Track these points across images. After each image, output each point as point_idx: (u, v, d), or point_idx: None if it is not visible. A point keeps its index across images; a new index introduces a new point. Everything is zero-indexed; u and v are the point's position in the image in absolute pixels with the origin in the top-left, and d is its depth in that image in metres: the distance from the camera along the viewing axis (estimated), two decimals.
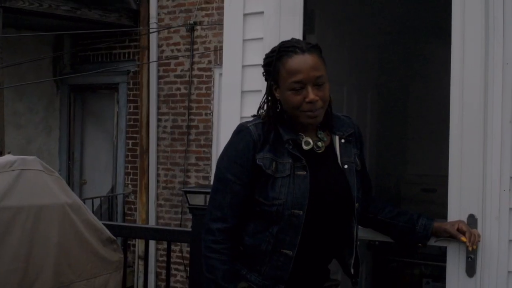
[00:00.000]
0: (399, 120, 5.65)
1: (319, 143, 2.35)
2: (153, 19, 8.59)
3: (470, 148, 2.57)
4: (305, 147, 2.31)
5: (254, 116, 2.40)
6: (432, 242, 2.56)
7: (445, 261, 2.61)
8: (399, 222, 2.54)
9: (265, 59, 2.36)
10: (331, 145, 2.39)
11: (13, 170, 2.96)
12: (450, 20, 2.65)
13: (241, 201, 2.28)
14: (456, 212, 2.58)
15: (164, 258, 7.85)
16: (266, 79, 2.37)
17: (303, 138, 2.32)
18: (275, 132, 2.29)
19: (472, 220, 2.54)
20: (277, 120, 2.31)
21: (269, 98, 2.34)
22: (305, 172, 2.25)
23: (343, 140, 2.40)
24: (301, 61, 2.24)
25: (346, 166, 2.36)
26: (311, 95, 2.21)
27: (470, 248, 2.45)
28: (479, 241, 2.48)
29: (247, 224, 2.31)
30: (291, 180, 2.23)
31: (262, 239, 2.26)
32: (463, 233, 2.45)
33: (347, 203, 2.33)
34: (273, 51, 2.33)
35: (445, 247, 2.60)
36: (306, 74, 2.22)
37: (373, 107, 4.75)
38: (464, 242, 2.45)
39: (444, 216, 2.61)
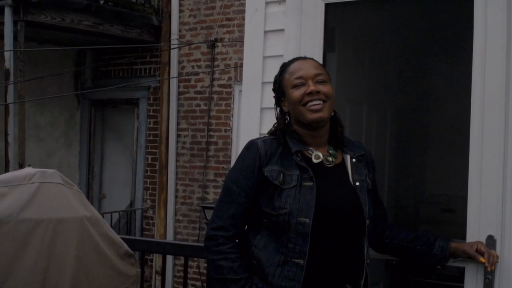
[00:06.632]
0: (418, 140, 5.62)
1: (330, 158, 2.40)
2: (174, 35, 8.65)
3: (490, 168, 2.56)
4: (315, 161, 2.36)
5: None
6: (450, 262, 2.54)
7: (463, 282, 2.59)
8: (416, 245, 2.53)
9: (273, 81, 2.52)
10: (343, 164, 2.44)
11: (32, 183, 2.97)
12: (472, 40, 2.64)
13: (244, 212, 2.36)
14: (475, 232, 2.56)
15: (181, 274, 7.85)
16: (275, 98, 2.50)
17: (313, 152, 2.37)
18: (283, 146, 2.37)
19: (491, 241, 2.52)
20: (285, 131, 2.39)
21: (278, 111, 2.47)
22: (311, 183, 2.29)
23: (354, 160, 2.45)
24: (301, 62, 2.43)
25: (357, 184, 2.40)
26: (312, 86, 2.34)
27: (488, 269, 2.43)
28: (497, 262, 2.47)
29: (256, 237, 2.35)
30: (298, 190, 2.28)
31: (273, 250, 2.29)
32: (482, 254, 2.43)
33: (358, 219, 2.35)
34: (278, 72, 2.50)
35: (463, 268, 2.57)
36: (306, 71, 2.37)
37: (392, 126, 4.73)
38: (483, 263, 2.43)
39: (463, 237, 2.59)
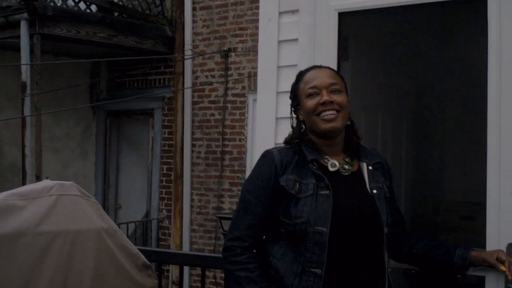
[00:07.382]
0: (435, 147, 5.59)
1: (346, 166, 2.39)
2: (188, 46, 8.69)
3: (509, 175, 2.53)
4: (331, 169, 2.36)
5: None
6: (471, 271, 2.52)
7: None
8: (436, 254, 2.51)
9: (290, 90, 2.51)
10: (359, 171, 2.43)
11: (50, 196, 2.98)
12: (486, 45, 2.63)
13: (261, 222, 2.35)
14: (494, 241, 2.54)
15: (198, 284, 7.84)
16: (291, 106, 2.50)
17: (329, 160, 2.37)
18: (299, 154, 2.37)
19: (511, 249, 2.49)
20: (301, 140, 2.39)
21: (294, 119, 2.47)
22: (328, 192, 2.29)
23: (370, 167, 2.44)
24: (317, 71, 2.43)
25: (375, 191, 2.38)
26: (325, 96, 2.33)
27: (509, 277, 2.41)
28: None
29: (274, 247, 2.34)
30: (314, 198, 2.27)
31: (290, 260, 2.29)
32: (502, 263, 2.41)
33: (376, 227, 2.34)
34: (295, 80, 2.49)
35: (484, 277, 2.55)
36: (321, 80, 2.37)
37: (408, 134, 4.71)
38: (503, 272, 2.41)
39: (483, 245, 2.57)
